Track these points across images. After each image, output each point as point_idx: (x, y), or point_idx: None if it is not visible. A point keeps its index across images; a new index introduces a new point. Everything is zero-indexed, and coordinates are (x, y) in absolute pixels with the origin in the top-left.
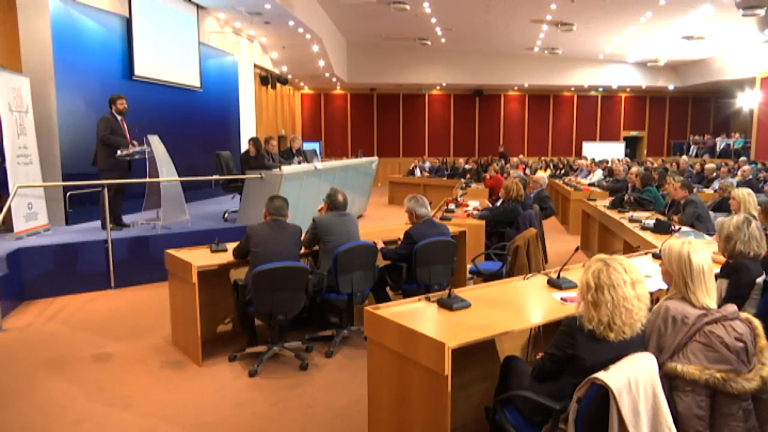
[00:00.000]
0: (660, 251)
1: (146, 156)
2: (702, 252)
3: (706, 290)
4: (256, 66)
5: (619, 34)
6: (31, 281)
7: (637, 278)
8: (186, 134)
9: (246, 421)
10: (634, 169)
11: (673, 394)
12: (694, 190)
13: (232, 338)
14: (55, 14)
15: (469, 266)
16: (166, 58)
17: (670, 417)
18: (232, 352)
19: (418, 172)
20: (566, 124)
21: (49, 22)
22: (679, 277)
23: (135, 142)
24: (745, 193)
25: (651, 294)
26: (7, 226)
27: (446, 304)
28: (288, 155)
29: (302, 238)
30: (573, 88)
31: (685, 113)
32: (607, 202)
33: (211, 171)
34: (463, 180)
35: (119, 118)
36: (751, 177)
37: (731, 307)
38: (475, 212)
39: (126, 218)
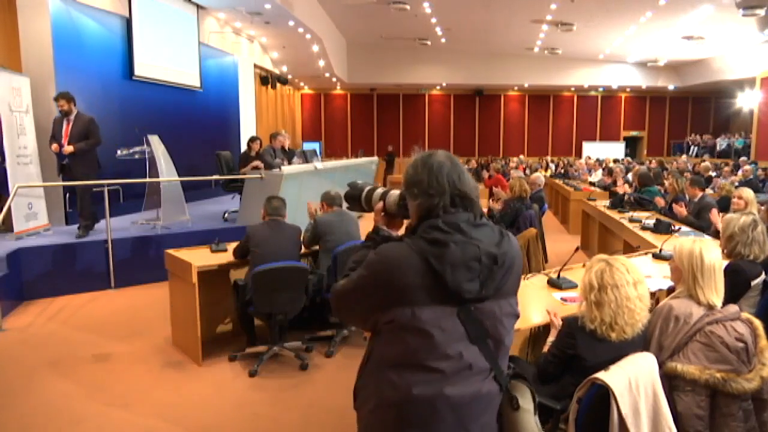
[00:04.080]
0: (660, 251)
1: (146, 156)
2: (714, 251)
3: (714, 287)
4: (256, 66)
5: (619, 34)
6: (31, 281)
7: (639, 279)
8: (186, 134)
9: (246, 421)
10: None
11: (673, 394)
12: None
13: (232, 338)
14: (55, 14)
15: None
16: (166, 58)
17: (671, 417)
18: (232, 352)
19: None
20: (566, 124)
21: (49, 22)
22: (688, 273)
23: (56, 146)
24: (752, 195)
25: (652, 294)
26: (7, 226)
27: None
28: (288, 154)
29: (302, 238)
30: (573, 88)
31: (685, 113)
32: (606, 201)
33: (211, 171)
34: None
35: (65, 118)
36: (751, 177)
37: (732, 308)
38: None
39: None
